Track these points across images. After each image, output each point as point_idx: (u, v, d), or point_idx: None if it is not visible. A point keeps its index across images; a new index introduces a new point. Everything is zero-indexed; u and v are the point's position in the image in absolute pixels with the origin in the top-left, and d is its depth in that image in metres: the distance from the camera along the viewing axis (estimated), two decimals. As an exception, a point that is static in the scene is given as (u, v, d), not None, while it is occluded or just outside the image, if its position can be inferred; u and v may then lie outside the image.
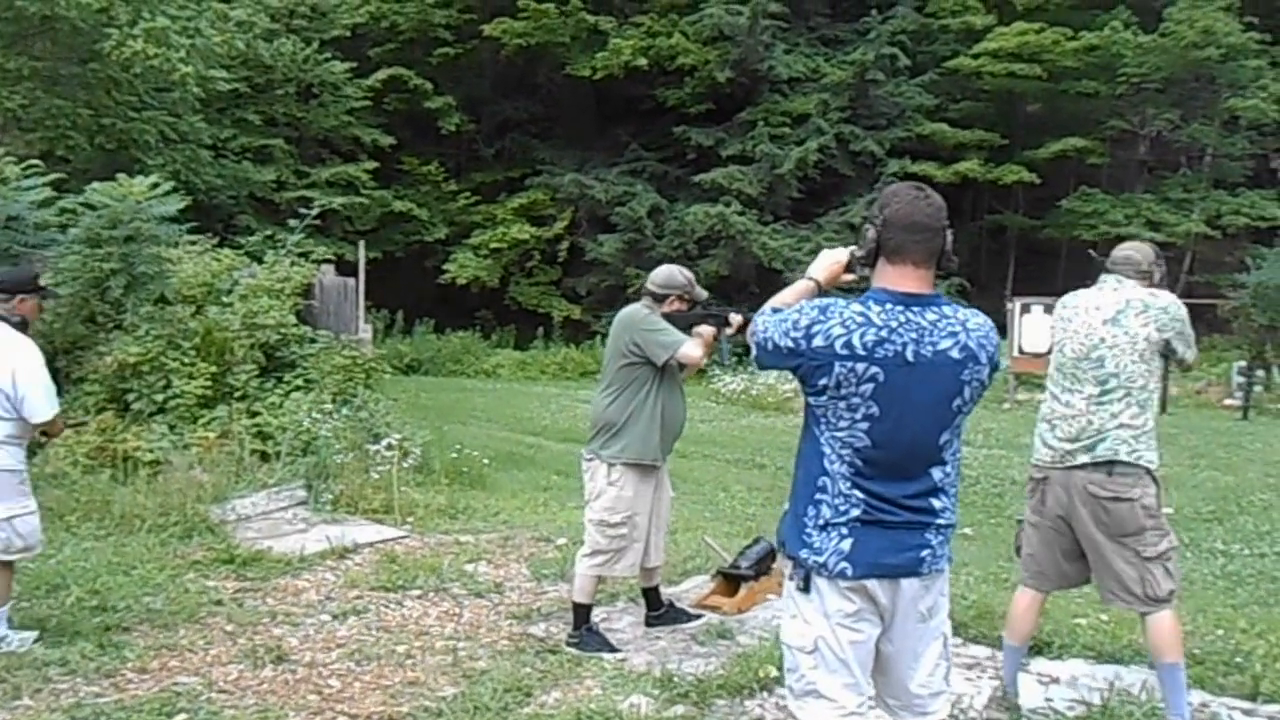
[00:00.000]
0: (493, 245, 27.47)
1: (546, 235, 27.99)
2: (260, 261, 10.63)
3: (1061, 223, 29.39)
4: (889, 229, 2.75)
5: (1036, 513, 4.36)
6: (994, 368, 2.78)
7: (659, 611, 5.55)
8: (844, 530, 2.74)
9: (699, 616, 5.61)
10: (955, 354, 2.72)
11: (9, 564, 5.00)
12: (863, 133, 28.12)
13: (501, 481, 10.21)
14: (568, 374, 24.34)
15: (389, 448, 8.20)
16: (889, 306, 2.70)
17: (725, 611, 5.71)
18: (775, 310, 2.89)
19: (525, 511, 8.68)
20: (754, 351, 2.89)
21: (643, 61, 27.95)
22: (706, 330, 5.02)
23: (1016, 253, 31.22)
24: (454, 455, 9.81)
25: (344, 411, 8.96)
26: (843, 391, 2.68)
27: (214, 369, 9.04)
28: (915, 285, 2.74)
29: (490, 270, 27.44)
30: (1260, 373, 18.49)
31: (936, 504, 2.78)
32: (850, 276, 3.06)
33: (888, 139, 28.43)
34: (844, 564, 2.72)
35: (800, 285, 3.05)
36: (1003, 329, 22.73)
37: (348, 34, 27.10)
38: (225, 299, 9.85)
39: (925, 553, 2.78)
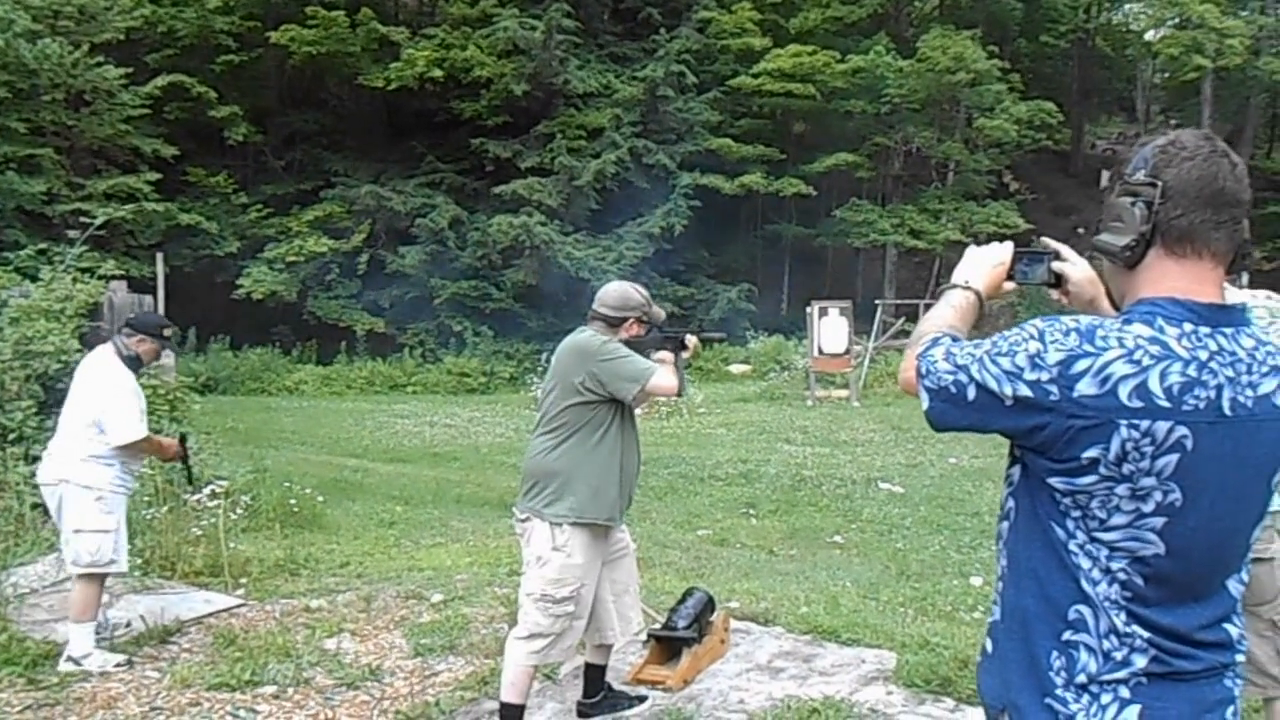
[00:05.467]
0: (289, 258, 25.27)
1: (345, 248, 25.93)
2: (34, 280, 8.51)
3: (835, 231, 29.75)
4: (1175, 202, 1.57)
5: None
6: None
7: (595, 698, 4.17)
8: (1125, 691, 1.56)
9: (642, 699, 4.27)
10: None
11: (96, 578, 4.83)
12: (655, 146, 27.49)
13: (338, 519, 8.53)
14: (376, 388, 22.55)
15: (213, 496, 6.41)
16: (1189, 328, 1.55)
17: (670, 686, 4.39)
18: (955, 339, 1.71)
19: (377, 557, 7.09)
20: (926, 403, 1.67)
21: (438, 73, 26.38)
22: (667, 356, 3.80)
23: (790, 260, 31.26)
24: (288, 494, 8.07)
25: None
26: (1126, 469, 1.50)
27: (-20, 407, 7.00)
28: (1215, 292, 1.59)
29: (288, 284, 25.15)
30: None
31: (1233, 631, 1.63)
32: (1010, 285, 1.92)
33: (678, 153, 27.94)
34: None
35: (958, 299, 1.87)
36: (800, 330, 22.78)
37: (121, 38, 23.93)
38: (-8, 324, 7.73)
39: (1229, 711, 1.61)
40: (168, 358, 8.83)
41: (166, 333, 5.21)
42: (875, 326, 22.17)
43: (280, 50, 26.66)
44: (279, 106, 28.77)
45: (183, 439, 5.39)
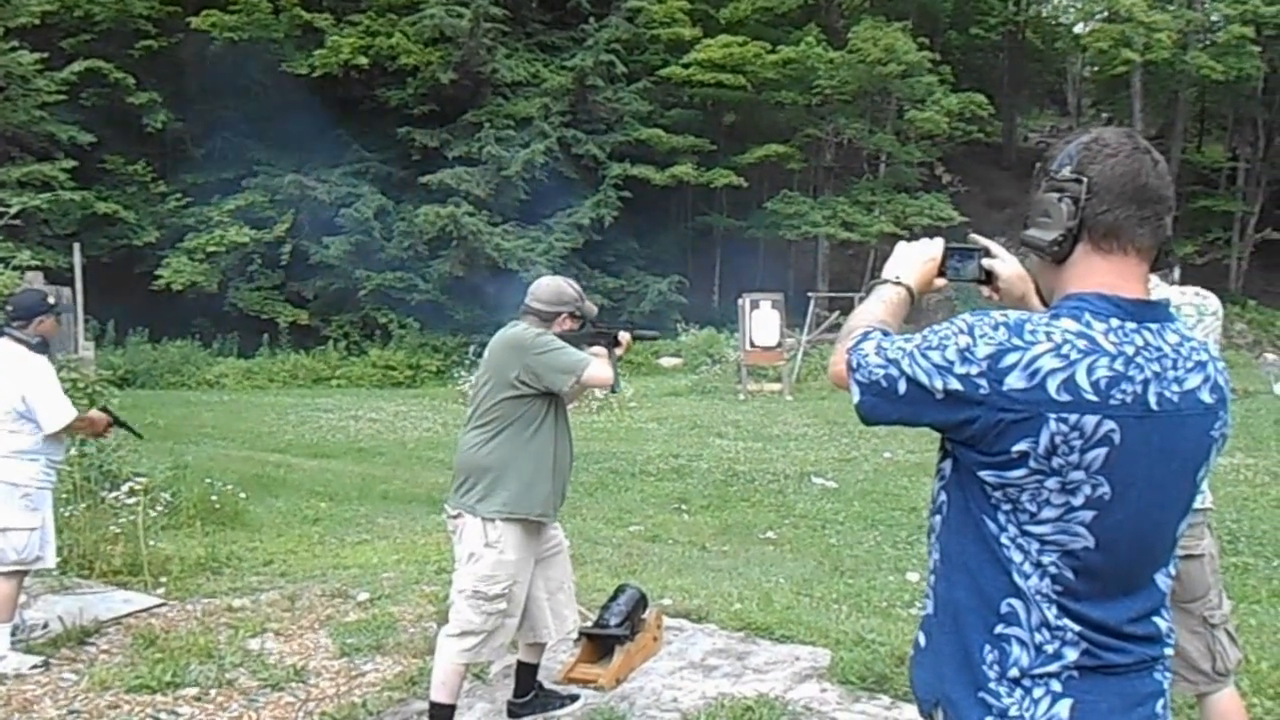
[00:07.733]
0: (209, 249, 24.70)
1: (267, 238, 25.41)
2: (-56, 271, 8.22)
3: (766, 223, 29.83)
4: (1101, 198, 1.60)
5: None
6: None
7: (526, 697, 4.14)
8: (1057, 685, 1.58)
9: (574, 698, 4.24)
10: (1206, 396, 1.61)
11: (15, 576, 4.80)
12: (584, 136, 27.42)
13: (261, 516, 8.36)
14: (299, 382, 22.19)
15: (132, 493, 6.23)
16: (1116, 323, 1.57)
17: (602, 685, 4.36)
18: (885, 333, 1.74)
19: (301, 554, 6.97)
20: (857, 396, 1.69)
21: (363, 60, 26.03)
22: (600, 351, 3.83)
23: (721, 252, 31.37)
24: (209, 490, 7.89)
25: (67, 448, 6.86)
26: (1055, 463, 1.52)
27: (-113, 403, 6.69)
28: (1140, 288, 1.62)
29: (208, 275, 24.59)
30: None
31: (1162, 625, 1.66)
32: (941, 281, 1.93)
33: (608, 143, 27.88)
34: None
35: (889, 294, 1.89)
36: (731, 323, 22.86)
37: (36, 22, 23.18)
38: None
39: (1160, 705, 1.64)
40: (87, 349, 8.60)
41: (50, 300, 5.17)
42: (808, 319, 22.29)
43: (201, 36, 26.01)
44: (199, 93, 28.06)
45: (105, 409, 5.45)
